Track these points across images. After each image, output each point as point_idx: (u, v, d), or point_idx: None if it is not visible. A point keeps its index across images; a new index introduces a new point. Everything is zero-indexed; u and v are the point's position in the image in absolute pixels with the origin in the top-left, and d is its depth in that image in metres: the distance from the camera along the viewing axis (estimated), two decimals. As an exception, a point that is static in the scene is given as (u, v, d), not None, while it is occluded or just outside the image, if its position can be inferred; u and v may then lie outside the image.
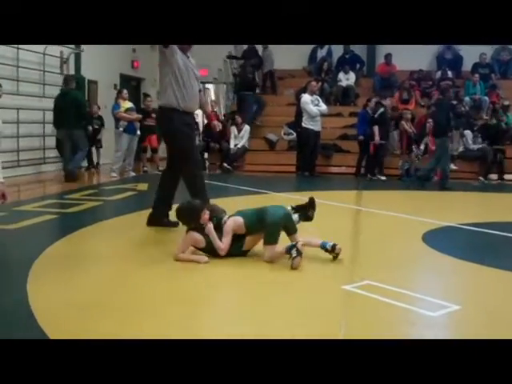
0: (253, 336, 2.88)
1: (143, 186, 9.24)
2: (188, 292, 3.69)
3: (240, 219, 4.43)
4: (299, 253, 4.13)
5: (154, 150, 11.95)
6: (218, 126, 6.21)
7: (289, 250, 4.18)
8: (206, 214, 4.37)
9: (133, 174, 11.01)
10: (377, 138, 11.10)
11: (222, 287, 3.92)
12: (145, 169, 11.78)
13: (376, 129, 11.08)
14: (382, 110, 11.26)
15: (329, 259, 4.32)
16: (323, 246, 4.38)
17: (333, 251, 4.33)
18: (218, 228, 4.43)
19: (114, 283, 3.86)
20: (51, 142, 11.03)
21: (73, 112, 9.62)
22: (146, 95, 12.50)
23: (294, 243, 4.23)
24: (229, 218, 4.49)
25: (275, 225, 4.38)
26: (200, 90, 5.65)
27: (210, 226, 4.37)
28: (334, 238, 4.49)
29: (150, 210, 5.64)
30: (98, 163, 12.11)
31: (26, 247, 4.81)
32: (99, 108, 12.13)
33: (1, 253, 4.87)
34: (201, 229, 4.37)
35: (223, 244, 4.35)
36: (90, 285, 3.79)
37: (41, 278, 3.84)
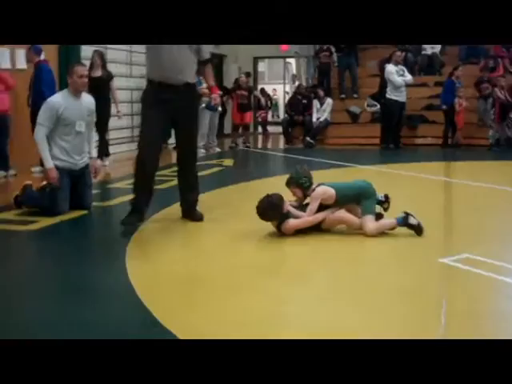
0: (351, 312, 2.88)
1: (229, 162, 9.37)
2: (283, 266, 3.73)
3: (331, 189, 4.37)
4: (414, 216, 4.16)
5: (245, 127, 12.14)
6: (215, 100, 5.50)
7: (404, 221, 4.16)
8: (286, 205, 4.33)
9: (218, 149, 11.19)
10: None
11: (315, 263, 3.90)
12: (233, 144, 11.96)
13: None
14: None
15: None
16: (402, 222, 4.22)
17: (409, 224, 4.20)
18: (305, 196, 4.45)
19: (211, 256, 3.94)
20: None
21: None
22: (248, 74, 12.96)
23: (403, 213, 4.20)
24: (318, 185, 4.45)
25: (372, 195, 4.34)
26: (202, 60, 4.85)
27: (293, 210, 4.36)
28: (425, 211, 4.41)
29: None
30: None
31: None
32: None
33: (98, 230, 5.08)
34: (287, 217, 4.34)
35: (309, 211, 4.32)
36: (188, 259, 3.90)
37: (139, 254, 3.98)
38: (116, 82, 9.12)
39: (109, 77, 8.71)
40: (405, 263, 3.71)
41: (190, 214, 4.95)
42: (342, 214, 4.31)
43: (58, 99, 5.14)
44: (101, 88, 8.34)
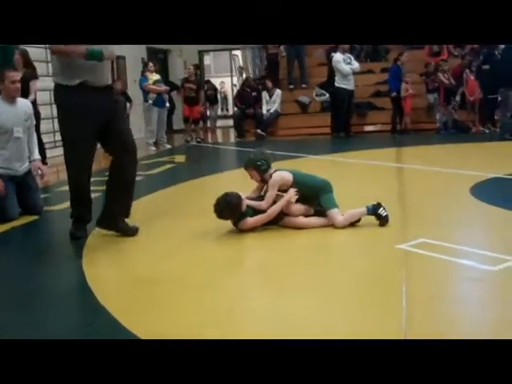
0: (312, 304, 2.88)
1: (181, 158, 9.28)
2: (243, 262, 3.70)
3: (288, 174, 4.37)
4: (385, 208, 4.17)
5: (196, 121, 12.02)
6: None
7: (374, 210, 4.16)
8: (244, 203, 4.27)
9: (168, 146, 11.07)
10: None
11: (275, 256, 3.87)
12: (188, 138, 11.85)
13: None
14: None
15: (376, 222, 4.26)
16: (372, 211, 4.21)
17: (378, 214, 4.20)
18: (263, 180, 4.42)
19: (170, 256, 3.87)
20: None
21: None
22: (197, 66, 13.18)
23: (376, 203, 4.20)
24: (275, 171, 4.42)
25: (331, 190, 4.33)
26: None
27: (251, 203, 4.34)
28: (379, 198, 4.42)
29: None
30: None
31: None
32: (124, 84, 11.69)
33: (51, 235, 4.94)
34: (245, 215, 4.30)
35: (267, 198, 4.28)
36: (147, 259, 3.82)
37: (95, 257, 3.88)
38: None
39: (30, 75, 7.91)
40: (362, 251, 3.74)
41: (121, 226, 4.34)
42: (301, 220, 4.28)
43: None
44: (24, 89, 7.97)
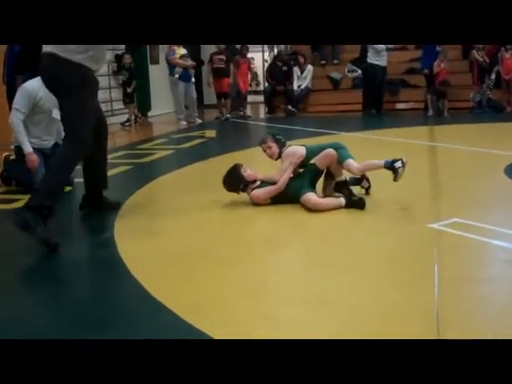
0: (342, 280, 2.87)
1: (211, 133, 9.28)
2: (271, 236, 3.70)
3: (301, 147, 4.41)
4: (404, 164, 4.11)
5: (225, 95, 11.87)
6: None
7: (391, 163, 4.13)
8: (246, 171, 4.34)
9: (199, 120, 11.07)
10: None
11: (302, 232, 3.87)
12: (219, 115, 11.76)
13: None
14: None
15: (407, 199, 4.22)
16: (389, 164, 4.18)
17: (394, 168, 4.15)
18: (279, 155, 4.45)
19: (200, 228, 3.90)
20: (117, 94, 11.24)
21: None
22: None
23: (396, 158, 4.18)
24: (289, 146, 4.47)
25: (342, 145, 4.39)
26: None
27: (261, 176, 4.36)
28: (412, 176, 4.40)
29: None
30: (137, 116, 11.47)
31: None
32: (130, 59, 11.14)
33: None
34: (257, 186, 4.35)
35: (281, 170, 4.30)
36: (177, 232, 3.85)
37: (126, 228, 3.92)
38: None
39: None
40: (393, 229, 3.70)
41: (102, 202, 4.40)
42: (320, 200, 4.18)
43: (35, 86, 4.94)
44: None
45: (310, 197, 4.10)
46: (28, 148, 4.95)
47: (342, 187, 4.27)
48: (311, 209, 4.06)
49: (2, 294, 2.93)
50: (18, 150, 5.14)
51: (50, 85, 3.88)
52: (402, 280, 2.84)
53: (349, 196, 4.17)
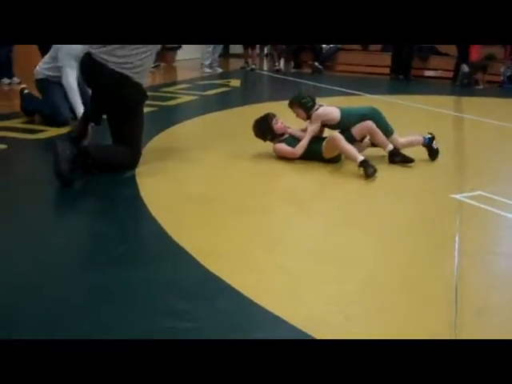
0: (363, 240, 2.87)
1: (236, 82, 9.19)
2: (291, 191, 3.70)
3: (336, 110, 4.33)
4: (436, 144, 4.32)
5: (252, 46, 11.71)
6: None
7: (429, 142, 4.33)
8: (278, 123, 4.29)
9: (219, 70, 10.96)
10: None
11: (326, 190, 3.86)
12: (245, 65, 11.64)
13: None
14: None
15: (432, 168, 4.19)
16: (427, 142, 4.38)
17: (431, 147, 4.37)
18: (309, 117, 4.37)
19: (219, 178, 3.90)
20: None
21: None
22: None
23: (431, 135, 4.35)
24: (320, 107, 4.39)
25: (379, 113, 4.37)
26: None
27: (290, 131, 4.33)
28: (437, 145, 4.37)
29: None
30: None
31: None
32: None
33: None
34: (284, 139, 4.33)
35: (309, 131, 4.27)
36: (198, 179, 3.86)
37: (148, 171, 3.93)
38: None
39: None
40: (416, 196, 3.68)
41: None
42: (343, 142, 4.09)
43: (77, 48, 4.82)
44: None
45: (339, 136, 4.09)
46: (80, 109, 4.91)
47: (395, 156, 4.25)
48: (332, 145, 4.09)
49: (23, 223, 2.98)
50: (41, 83, 5.13)
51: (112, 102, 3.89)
52: (421, 245, 2.84)
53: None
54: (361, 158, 3.98)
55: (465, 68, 10.39)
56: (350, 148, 4.06)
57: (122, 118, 3.90)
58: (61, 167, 3.48)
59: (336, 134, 4.13)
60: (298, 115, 4.43)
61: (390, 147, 4.24)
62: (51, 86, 5.06)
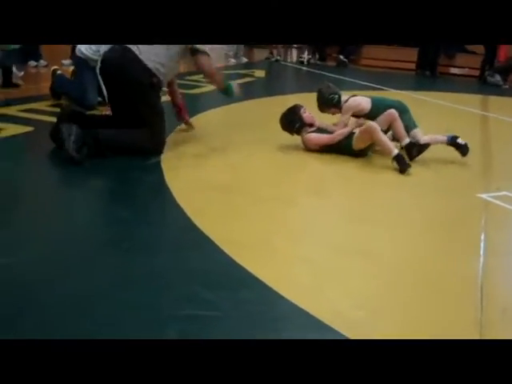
0: (383, 236, 2.86)
1: (260, 73, 9.16)
2: (315, 184, 3.69)
3: (366, 100, 4.31)
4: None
5: None
6: None
7: (453, 139, 4.21)
8: (306, 113, 4.28)
9: (244, 59, 10.96)
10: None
11: (347, 185, 3.85)
12: (270, 55, 11.64)
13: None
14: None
15: (457, 166, 4.15)
16: (451, 140, 4.25)
17: (457, 144, 4.24)
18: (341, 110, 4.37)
19: (243, 167, 3.90)
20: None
21: None
22: None
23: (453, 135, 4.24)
24: (350, 97, 4.37)
25: (406, 107, 4.33)
26: None
27: (319, 123, 4.32)
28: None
29: None
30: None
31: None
32: None
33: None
34: (313, 131, 4.30)
35: (340, 123, 4.25)
36: (222, 167, 3.86)
37: (174, 158, 3.94)
38: None
39: None
40: (441, 194, 3.64)
41: None
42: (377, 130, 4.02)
43: None
44: None
45: (375, 125, 4.04)
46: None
47: (412, 149, 4.21)
48: (368, 135, 4.03)
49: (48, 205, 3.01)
50: (78, 62, 5.16)
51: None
52: (444, 243, 2.82)
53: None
54: (396, 151, 3.95)
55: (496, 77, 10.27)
56: (387, 140, 4.03)
57: (139, 102, 3.94)
58: (70, 152, 3.56)
59: (372, 123, 4.06)
60: (333, 114, 4.47)
61: (407, 140, 4.20)
62: (85, 69, 5.06)
